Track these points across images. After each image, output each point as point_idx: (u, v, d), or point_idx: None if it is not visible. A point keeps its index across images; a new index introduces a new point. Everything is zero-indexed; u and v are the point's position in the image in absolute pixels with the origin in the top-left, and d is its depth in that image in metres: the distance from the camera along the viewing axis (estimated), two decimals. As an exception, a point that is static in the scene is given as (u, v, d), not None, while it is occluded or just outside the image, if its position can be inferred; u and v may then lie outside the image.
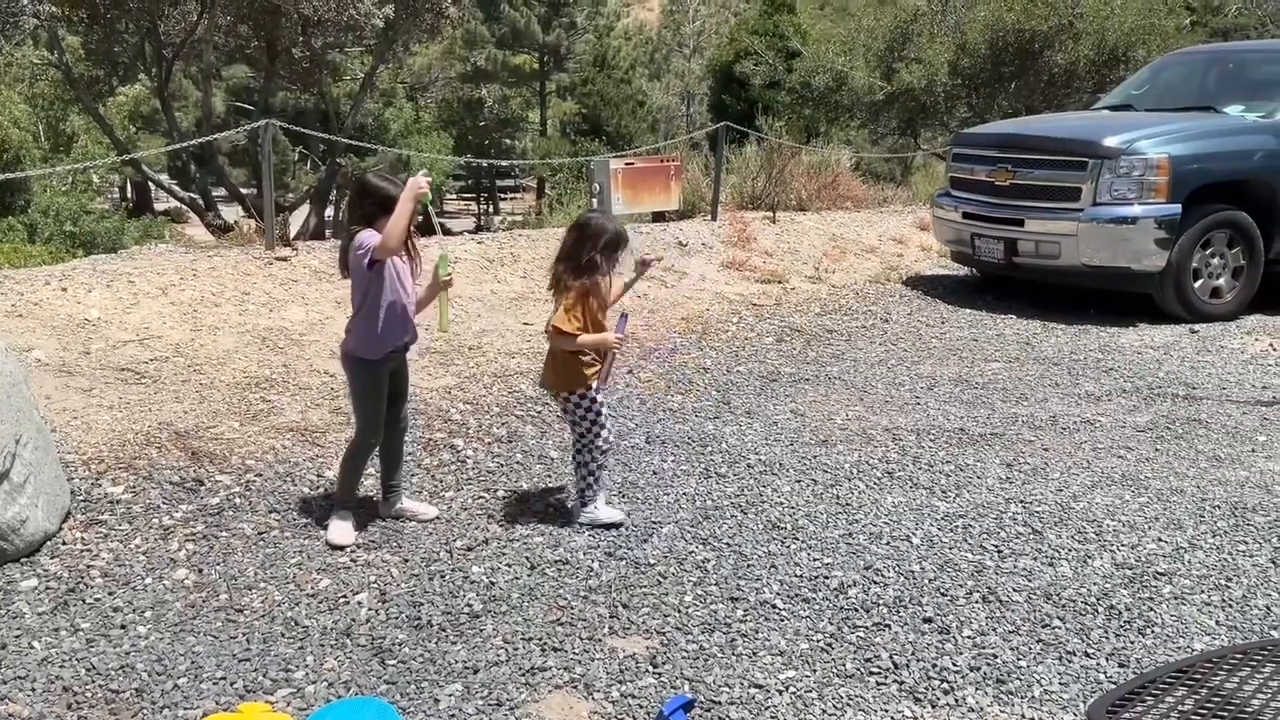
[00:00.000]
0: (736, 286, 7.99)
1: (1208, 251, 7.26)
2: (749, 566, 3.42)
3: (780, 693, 2.70)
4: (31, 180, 19.52)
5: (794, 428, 4.89)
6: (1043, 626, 3.04)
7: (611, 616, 3.09)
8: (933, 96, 16.08)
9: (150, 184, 24.66)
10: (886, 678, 2.78)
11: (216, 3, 14.38)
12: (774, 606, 3.15)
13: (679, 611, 3.12)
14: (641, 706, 2.64)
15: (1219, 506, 3.92)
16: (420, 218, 3.59)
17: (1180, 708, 1.59)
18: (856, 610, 3.13)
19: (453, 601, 3.18)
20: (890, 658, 2.86)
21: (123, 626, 3.02)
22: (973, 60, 15.59)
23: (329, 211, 19.89)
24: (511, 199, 40.11)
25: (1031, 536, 3.66)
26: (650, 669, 2.81)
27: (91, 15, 14.71)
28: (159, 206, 31.34)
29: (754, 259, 8.68)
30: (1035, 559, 3.49)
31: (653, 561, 3.45)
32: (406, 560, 3.47)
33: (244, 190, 18.21)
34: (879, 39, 17.25)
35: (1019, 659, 2.87)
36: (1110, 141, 7.19)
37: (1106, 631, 3.02)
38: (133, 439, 4.22)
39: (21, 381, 3.65)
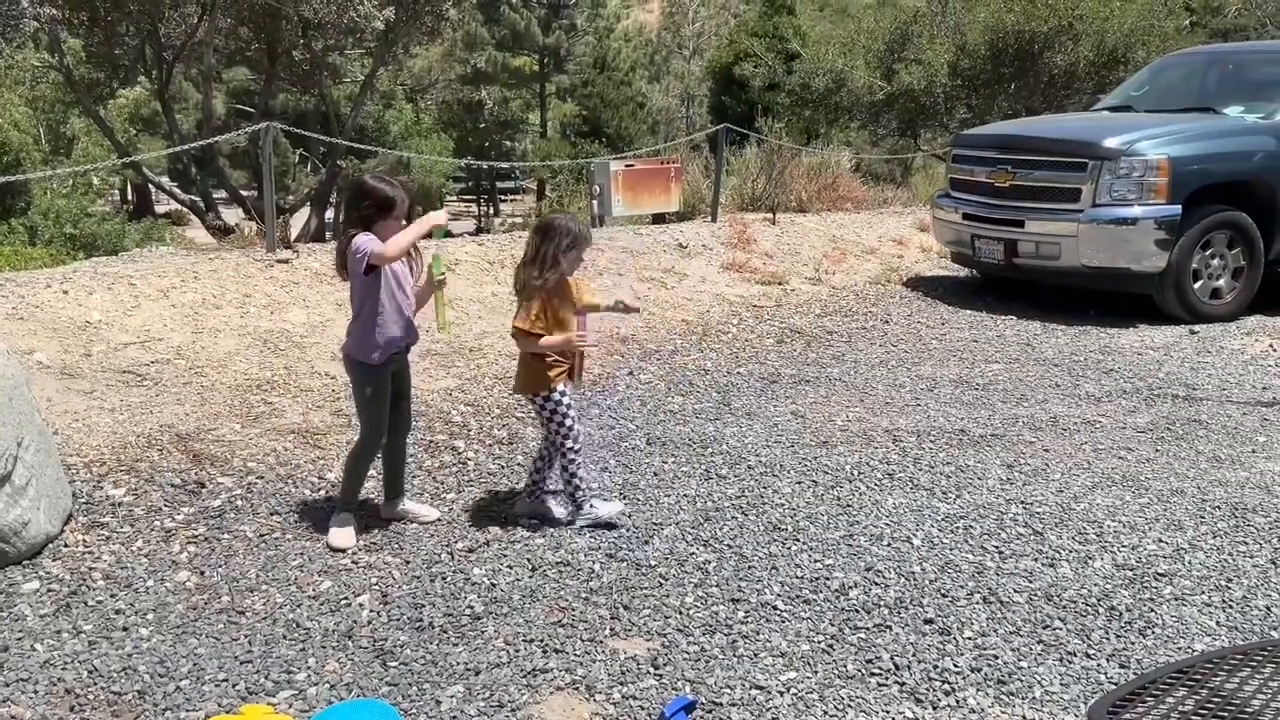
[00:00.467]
0: (737, 288, 8.00)
1: (1208, 252, 7.26)
2: (750, 568, 3.42)
3: (781, 694, 2.70)
4: (32, 183, 19.50)
5: (795, 429, 4.89)
6: (1044, 627, 3.04)
7: (613, 618, 3.10)
8: (932, 98, 16.10)
9: (151, 186, 24.67)
10: (887, 679, 2.78)
11: (217, 5, 14.40)
12: (775, 608, 3.16)
13: (680, 613, 3.13)
14: (643, 708, 2.64)
15: (1219, 507, 3.93)
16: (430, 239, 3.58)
17: (1181, 708, 1.59)
18: (857, 611, 3.13)
19: (454, 603, 3.18)
20: (891, 659, 2.87)
21: (125, 629, 3.02)
22: (973, 61, 15.60)
23: (329, 214, 19.89)
24: (512, 201, 40.11)
25: (1032, 537, 3.67)
26: (652, 670, 2.81)
27: (92, 18, 14.73)
28: (160, 209, 31.30)
29: (754, 260, 8.68)
30: (1036, 560, 3.49)
31: (654, 563, 3.46)
32: (408, 562, 3.48)
33: (245, 192, 18.24)
34: (879, 40, 17.28)
35: (1020, 660, 2.87)
36: (1110, 143, 7.20)
37: (1107, 632, 3.02)
38: (134, 441, 4.23)
39: (23, 384, 3.65)
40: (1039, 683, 2.76)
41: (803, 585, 3.30)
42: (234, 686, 2.74)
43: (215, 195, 18.11)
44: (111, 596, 3.21)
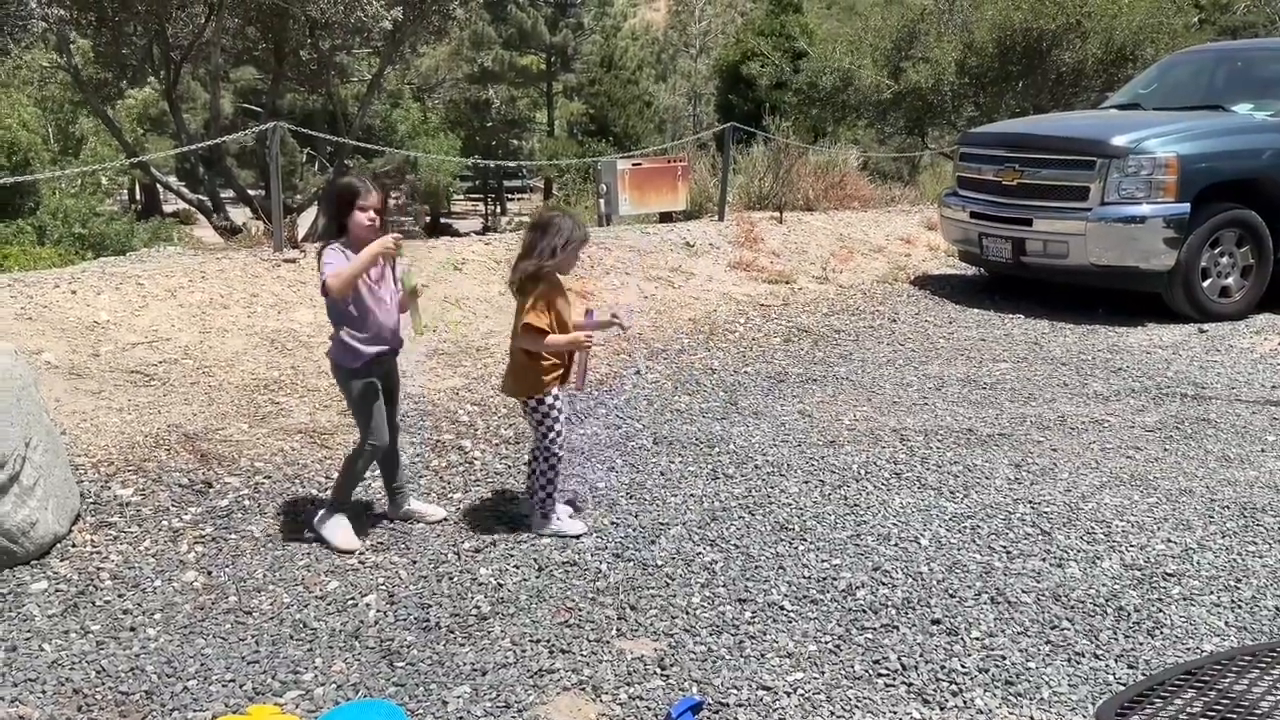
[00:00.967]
0: (744, 287, 7.99)
1: (1216, 250, 7.23)
2: (757, 568, 3.42)
3: (788, 694, 2.70)
4: (41, 183, 19.60)
5: (802, 428, 4.88)
6: (1051, 628, 3.03)
7: (619, 618, 3.09)
8: (940, 96, 16.06)
9: (159, 186, 24.72)
10: (895, 679, 2.77)
11: (224, 5, 14.42)
12: (782, 608, 3.15)
13: (687, 613, 3.12)
14: (650, 708, 2.64)
15: (1228, 507, 3.91)
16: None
17: (1189, 710, 1.58)
18: (865, 612, 3.13)
19: (461, 603, 3.18)
20: (898, 659, 2.86)
21: (132, 629, 3.03)
22: (980, 59, 15.56)
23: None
24: (519, 200, 40.15)
25: (1040, 537, 3.66)
26: (658, 671, 2.81)
27: (100, 18, 14.77)
28: (168, 208, 31.41)
29: (761, 259, 8.67)
30: (1044, 560, 3.48)
31: (660, 563, 3.45)
32: (414, 562, 3.48)
33: (252, 192, 18.25)
34: (886, 38, 17.23)
35: (1028, 660, 2.86)
36: (1118, 140, 7.17)
37: (1115, 633, 3.01)
38: (142, 441, 4.24)
39: (31, 384, 3.66)
40: (1047, 683, 2.75)
41: (810, 585, 3.29)
42: (241, 687, 2.74)
43: (223, 195, 18.13)
44: (119, 596, 3.22)
